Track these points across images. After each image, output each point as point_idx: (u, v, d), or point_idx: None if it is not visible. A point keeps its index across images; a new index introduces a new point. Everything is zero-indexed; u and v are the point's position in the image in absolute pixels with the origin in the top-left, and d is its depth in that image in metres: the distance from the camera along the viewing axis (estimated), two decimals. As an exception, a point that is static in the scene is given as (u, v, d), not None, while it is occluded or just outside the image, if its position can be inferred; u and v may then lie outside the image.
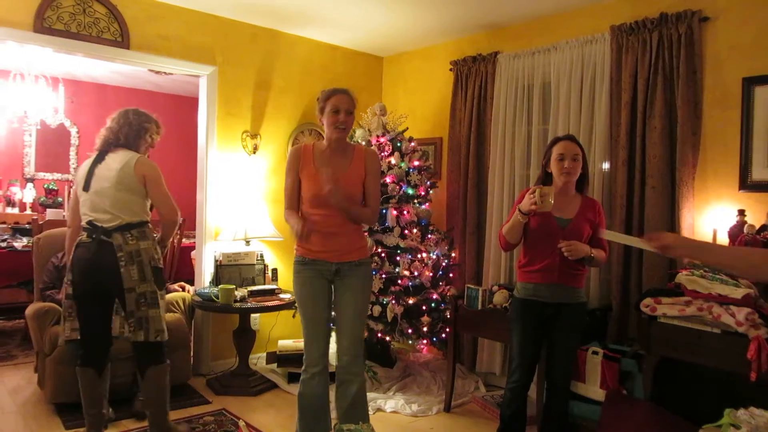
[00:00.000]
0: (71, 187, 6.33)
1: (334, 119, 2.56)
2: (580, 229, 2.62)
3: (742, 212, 2.85)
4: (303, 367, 2.66)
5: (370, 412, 3.40)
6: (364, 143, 3.93)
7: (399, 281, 3.71)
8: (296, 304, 2.66)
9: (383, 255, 3.75)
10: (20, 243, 4.82)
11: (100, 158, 2.80)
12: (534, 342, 2.73)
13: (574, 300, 2.67)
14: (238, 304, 3.70)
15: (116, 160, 2.77)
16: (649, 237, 1.81)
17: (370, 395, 3.58)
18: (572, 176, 2.64)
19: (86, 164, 2.82)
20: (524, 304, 2.73)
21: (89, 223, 2.71)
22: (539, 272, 2.66)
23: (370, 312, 3.66)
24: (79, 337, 2.75)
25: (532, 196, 2.50)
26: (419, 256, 3.81)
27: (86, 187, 2.75)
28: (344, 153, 2.67)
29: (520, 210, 2.58)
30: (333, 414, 2.79)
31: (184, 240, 5.03)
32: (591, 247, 2.59)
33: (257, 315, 4.20)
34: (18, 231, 5.27)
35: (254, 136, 4.31)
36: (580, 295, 2.70)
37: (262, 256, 4.23)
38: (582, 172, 2.67)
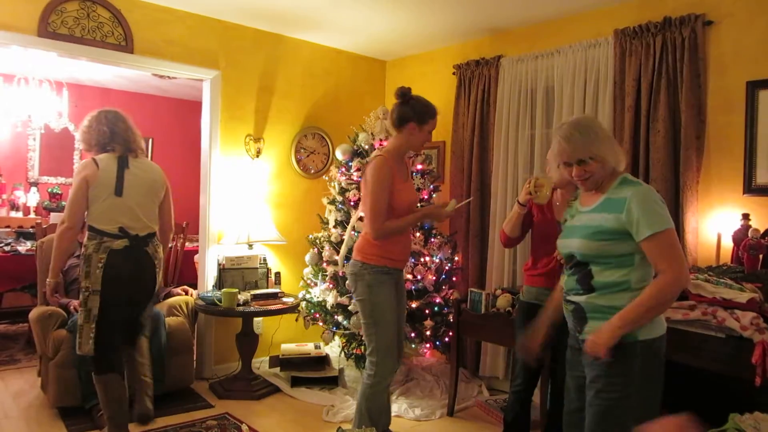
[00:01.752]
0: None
1: (428, 138, 2.69)
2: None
3: (746, 216, 2.84)
4: (376, 378, 2.62)
5: (373, 417, 3.41)
6: (366, 147, 3.94)
7: (402, 285, 3.71)
8: (373, 313, 2.64)
9: (386, 259, 3.75)
10: (24, 247, 4.83)
11: (125, 163, 2.77)
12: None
13: None
14: (241, 308, 3.70)
15: (144, 168, 2.84)
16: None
17: (373, 399, 3.58)
18: (565, 185, 2.64)
19: (110, 166, 2.73)
20: (527, 308, 2.73)
21: (121, 229, 2.70)
22: (542, 276, 2.66)
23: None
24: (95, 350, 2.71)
25: (528, 186, 2.53)
26: (422, 259, 3.81)
27: (118, 192, 2.71)
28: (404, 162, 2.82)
29: (517, 201, 2.63)
30: None
31: (187, 244, 5.03)
32: None
33: (260, 319, 4.20)
34: (22, 235, 5.27)
35: (257, 139, 4.32)
36: None
37: (265, 259, 4.23)
38: None
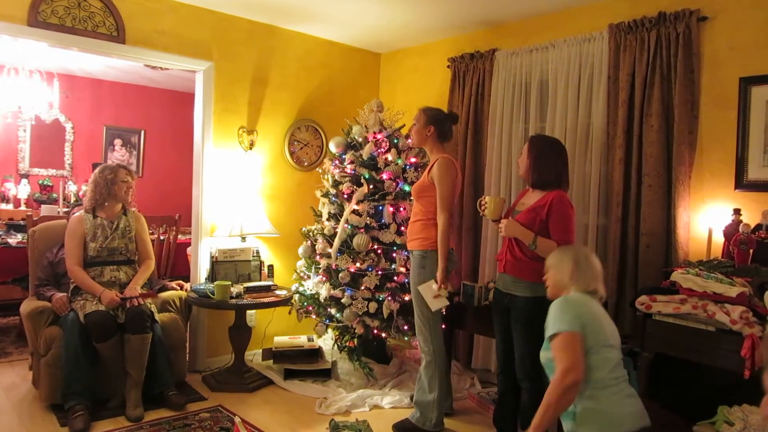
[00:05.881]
0: (65, 182, 6.30)
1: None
2: (523, 219, 2.68)
3: (737, 211, 2.86)
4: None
5: (366, 409, 3.43)
6: (360, 139, 3.93)
7: (395, 278, 3.72)
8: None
9: (379, 252, 3.76)
10: (14, 239, 4.79)
11: None
12: (504, 331, 2.81)
13: (518, 292, 2.69)
14: (234, 301, 3.69)
15: None
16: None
17: (365, 392, 3.59)
18: (522, 175, 2.85)
19: None
20: (494, 295, 2.90)
21: None
22: (500, 261, 2.83)
23: (366, 308, 3.67)
24: None
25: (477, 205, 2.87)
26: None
27: None
28: None
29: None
30: None
31: (180, 236, 5.01)
32: (538, 236, 2.60)
33: (253, 311, 4.19)
34: (12, 227, 5.23)
35: (250, 132, 4.30)
36: (524, 288, 2.67)
37: (258, 252, 4.22)
38: (545, 172, 2.70)
